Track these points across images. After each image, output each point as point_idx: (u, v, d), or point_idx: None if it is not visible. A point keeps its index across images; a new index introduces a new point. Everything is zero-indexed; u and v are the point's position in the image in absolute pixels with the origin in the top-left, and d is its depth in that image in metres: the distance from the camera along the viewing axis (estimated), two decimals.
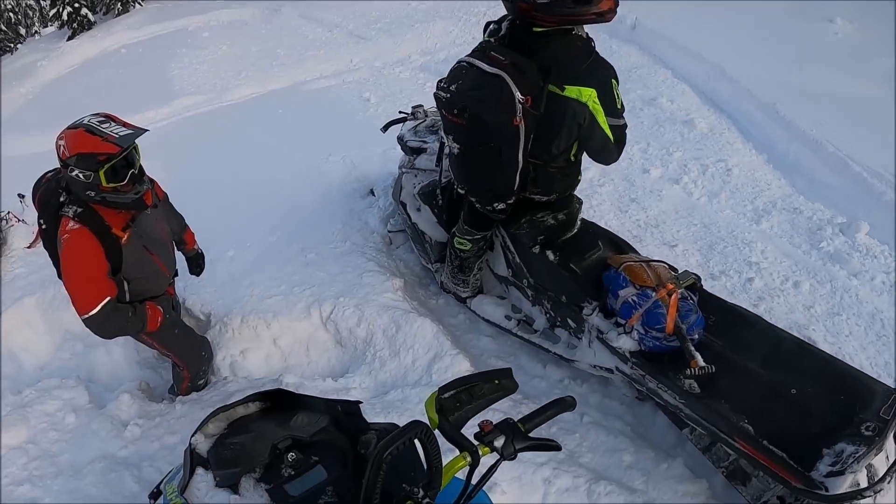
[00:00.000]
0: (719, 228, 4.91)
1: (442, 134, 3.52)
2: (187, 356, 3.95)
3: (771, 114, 6.56)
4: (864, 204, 5.29)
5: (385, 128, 4.64)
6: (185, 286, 4.68)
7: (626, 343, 3.22)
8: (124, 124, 3.02)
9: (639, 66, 7.84)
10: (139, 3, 18.94)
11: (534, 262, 3.75)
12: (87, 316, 3.13)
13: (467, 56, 3.24)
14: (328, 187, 5.97)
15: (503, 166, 3.38)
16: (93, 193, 3.01)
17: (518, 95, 3.09)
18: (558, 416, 3.43)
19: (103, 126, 2.94)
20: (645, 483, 3.17)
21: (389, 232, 5.07)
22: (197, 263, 4.15)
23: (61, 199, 3.13)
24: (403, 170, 4.66)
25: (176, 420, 3.85)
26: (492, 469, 1.72)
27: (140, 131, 3.01)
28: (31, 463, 3.62)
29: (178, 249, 3.98)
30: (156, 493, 2.37)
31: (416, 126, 4.65)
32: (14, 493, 3.45)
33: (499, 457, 1.71)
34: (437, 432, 1.68)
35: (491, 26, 3.37)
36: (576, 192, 3.86)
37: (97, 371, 4.48)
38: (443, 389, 1.76)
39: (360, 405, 2.19)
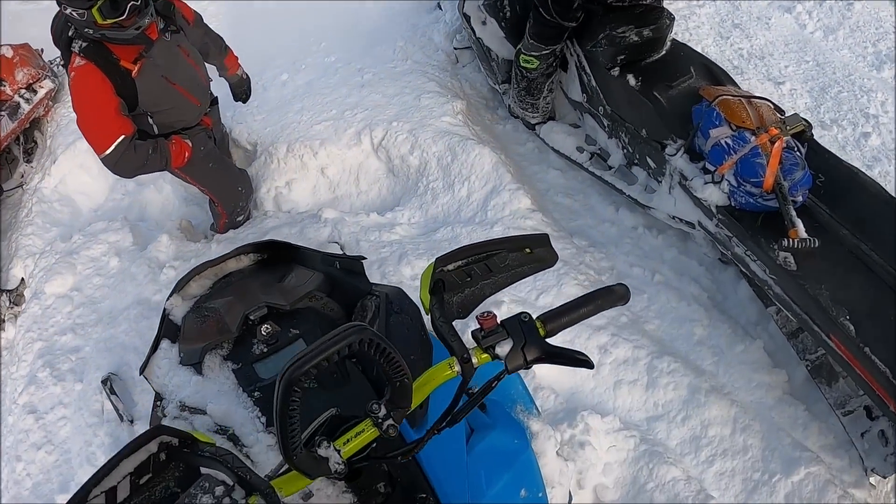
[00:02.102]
0: (834, 70, 4.25)
1: None
2: (222, 192, 3.67)
3: None
4: None
5: None
6: (234, 114, 4.35)
7: (713, 195, 2.74)
8: None
9: None
10: None
11: (612, 86, 3.23)
12: (102, 156, 2.92)
13: None
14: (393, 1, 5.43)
15: None
16: (91, 31, 2.74)
17: None
18: (626, 270, 3.03)
19: None
20: (715, 364, 2.80)
21: (455, 49, 4.55)
22: (242, 90, 3.76)
23: (70, 33, 2.83)
24: None
25: None
26: (489, 384, 1.27)
27: None
28: (75, 311, 3.54)
29: (220, 75, 3.65)
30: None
31: None
32: (59, 342, 3.41)
33: (504, 369, 1.23)
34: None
35: None
36: (673, 11, 3.26)
37: (149, 209, 4.29)
38: (442, 259, 1.27)
39: (364, 261, 1.77)
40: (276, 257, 1.90)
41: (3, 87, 4.37)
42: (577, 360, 1.23)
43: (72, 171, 4.44)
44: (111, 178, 4.40)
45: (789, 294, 2.48)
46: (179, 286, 1.81)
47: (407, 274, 3.15)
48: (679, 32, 4.45)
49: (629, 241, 3.38)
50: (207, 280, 1.84)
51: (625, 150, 3.35)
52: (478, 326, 1.23)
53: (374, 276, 3.15)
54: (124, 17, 2.67)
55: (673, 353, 2.78)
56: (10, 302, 3.76)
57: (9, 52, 4.44)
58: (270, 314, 1.68)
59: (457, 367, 1.20)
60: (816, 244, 2.39)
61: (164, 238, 3.75)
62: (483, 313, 1.24)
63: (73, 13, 2.63)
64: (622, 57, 3.20)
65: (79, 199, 4.40)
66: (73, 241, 3.86)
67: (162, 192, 4.25)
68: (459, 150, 3.70)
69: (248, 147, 4.35)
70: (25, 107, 4.46)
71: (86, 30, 2.73)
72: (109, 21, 2.65)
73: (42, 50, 4.75)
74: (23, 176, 4.59)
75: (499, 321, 1.23)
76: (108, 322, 3.40)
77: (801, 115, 3.55)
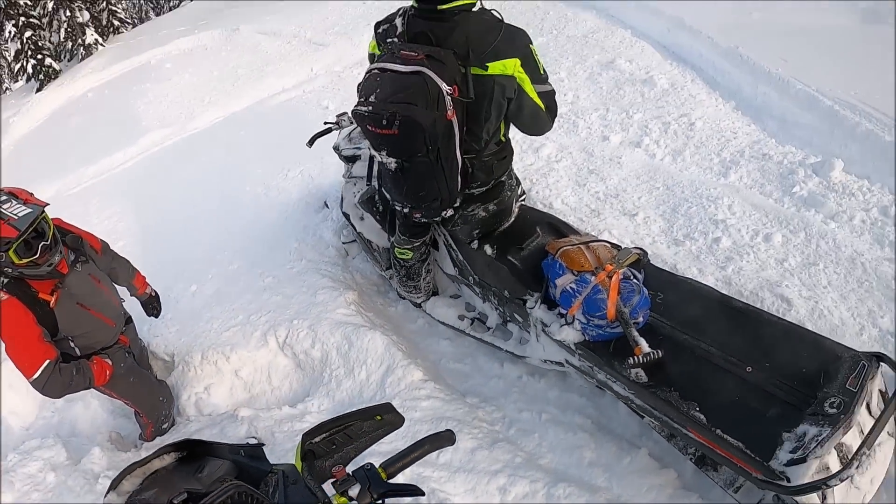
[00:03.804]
0: (683, 188, 4.66)
1: (372, 152, 3.22)
2: (145, 403, 3.97)
3: (734, 58, 6.34)
4: (838, 139, 5.05)
5: (311, 142, 4.37)
6: (150, 328, 4.67)
7: (569, 335, 3.03)
8: (27, 200, 3.04)
9: (596, 30, 7.64)
10: (101, 45, 18.81)
11: (474, 257, 3.57)
12: (31, 379, 3.19)
13: (376, 63, 2.95)
14: (286, 204, 5.85)
15: (444, 170, 3.13)
16: (10, 270, 3.07)
17: (444, 87, 2.84)
18: (516, 416, 3.28)
19: (4, 206, 2.95)
20: (608, 480, 2.99)
21: (343, 243, 4.94)
22: (152, 306, 4.10)
23: None
24: (344, 179, 4.50)
25: None
26: None
27: (39, 209, 3.02)
28: None
29: (132, 295, 4.01)
30: None
31: (349, 133, 4.47)
32: None
33: None
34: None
35: (381, 28, 3.11)
36: (534, 171, 3.67)
37: (79, 424, 4.45)
38: (309, 434, 1.62)
39: (264, 447, 2.05)
40: (193, 453, 2.16)
41: None
42: (410, 490, 1.58)
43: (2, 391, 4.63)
44: (39, 396, 4.57)
45: (648, 403, 2.73)
46: (114, 485, 2.05)
47: None
48: (539, 189, 4.90)
49: (516, 391, 3.63)
50: (137, 478, 2.10)
51: (498, 311, 3.66)
52: (333, 479, 1.59)
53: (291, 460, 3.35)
54: (37, 256, 3.05)
55: (567, 480, 2.96)
56: None
57: None
58: (190, 497, 1.90)
59: None
60: (660, 355, 2.68)
61: (97, 451, 3.94)
62: (334, 468, 1.60)
63: None
64: (477, 231, 3.56)
65: (10, 419, 4.57)
66: (8, 460, 3.97)
67: (90, 407, 4.45)
68: (354, 337, 4.01)
69: (166, 358, 4.62)
70: None
71: (6, 269, 3.05)
72: (25, 260, 3.02)
73: None
74: None
75: (348, 472, 1.59)
76: None
77: (656, 237, 3.98)
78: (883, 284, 3.70)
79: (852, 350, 2.58)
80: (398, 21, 3.02)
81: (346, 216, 4.44)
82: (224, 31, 13.12)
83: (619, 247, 3.21)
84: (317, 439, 1.61)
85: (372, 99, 2.90)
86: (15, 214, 2.94)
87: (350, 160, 4.36)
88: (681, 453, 2.87)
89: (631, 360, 2.69)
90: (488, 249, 3.50)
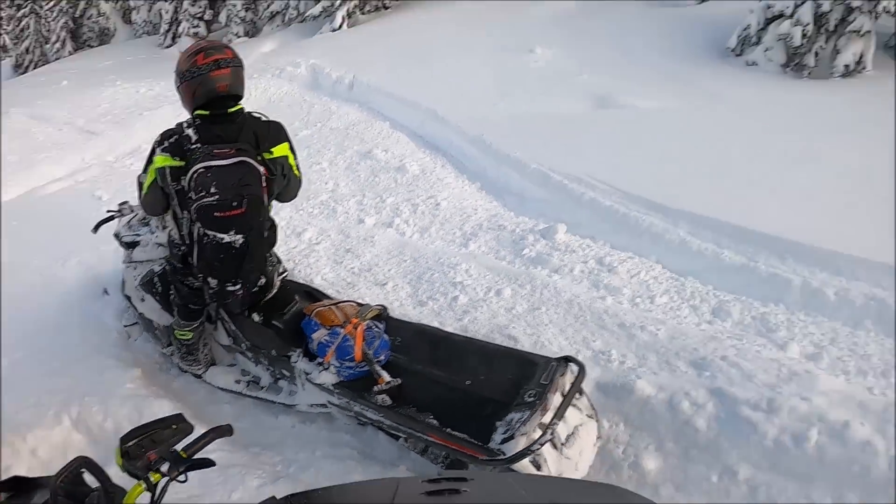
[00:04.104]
0: (427, 259, 5.38)
1: (221, 237, 3.58)
2: None
3: (480, 145, 7.29)
4: (566, 208, 6.06)
5: (95, 228, 4.79)
6: None
7: (327, 378, 3.67)
8: None
9: (357, 122, 8.41)
10: None
11: (244, 326, 4.14)
12: None
13: (200, 164, 3.40)
14: (66, 294, 5.93)
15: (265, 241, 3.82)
16: None
17: (261, 169, 3.50)
18: (294, 457, 3.80)
19: None
20: None
21: (125, 326, 5.18)
22: None
23: None
24: (125, 264, 4.82)
25: None
26: (164, 489, 2.04)
27: None
28: None
29: None
30: None
31: (129, 221, 4.83)
32: None
33: (167, 478, 2.03)
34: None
35: (169, 142, 3.53)
36: (297, 253, 4.55)
37: None
38: (124, 439, 2.07)
39: (83, 473, 2.40)
40: (19, 490, 2.38)
41: None
42: (205, 462, 2.11)
43: None
44: None
45: (395, 421, 3.41)
46: None
47: None
48: (301, 269, 5.43)
49: (292, 437, 4.11)
50: None
51: (269, 370, 4.19)
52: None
53: None
54: None
55: None
56: None
57: None
58: None
59: (143, 485, 1.99)
60: (398, 382, 3.45)
61: None
62: (148, 452, 2.05)
63: None
64: (246, 304, 4.13)
65: None
66: None
67: None
68: (144, 406, 4.26)
69: None
70: None
71: None
72: None
73: None
74: None
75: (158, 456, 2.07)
76: None
77: (404, 302, 4.67)
78: (595, 317, 4.58)
79: (545, 356, 3.44)
80: (189, 131, 3.52)
81: (128, 298, 4.74)
82: None
83: (364, 304, 3.97)
84: (131, 443, 2.05)
85: (213, 190, 3.38)
86: None
87: (130, 246, 4.69)
88: (433, 463, 3.58)
89: (376, 388, 3.44)
90: (256, 317, 4.09)
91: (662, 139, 7.37)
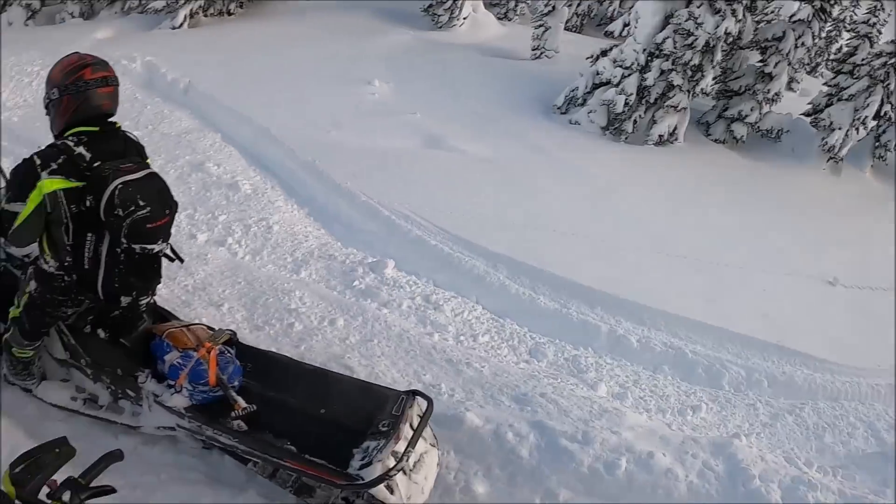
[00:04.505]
0: (261, 283, 5.40)
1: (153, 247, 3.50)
2: None
3: (311, 170, 7.37)
4: (393, 243, 6.29)
5: None
6: None
7: (178, 401, 3.61)
8: None
9: (189, 130, 8.21)
10: None
11: (87, 341, 3.93)
12: None
13: (118, 181, 3.23)
14: None
15: None
16: None
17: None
18: (139, 480, 3.73)
19: None
20: None
21: None
22: None
23: None
24: None
25: None
26: None
27: None
28: None
29: None
30: None
31: None
32: None
33: None
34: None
35: (57, 163, 3.27)
36: None
37: None
38: (13, 465, 2.00)
39: None
40: None
41: None
42: (105, 491, 2.12)
43: None
44: None
45: (250, 447, 3.44)
46: None
47: None
48: None
49: (134, 458, 3.82)
50: None
51: (109, 389, 3.98)
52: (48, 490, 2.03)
53: None
54: None
55: None
56: None
57: None
58: None
59: None
60: (254, 408, 3.47)
61: None
62: (50, 480, 2.03)
63: None
64: (91, 317, 3.94)
65: None
66: None
67: None
68: None
69: None
70: None
71: None
72: None
73: None
74: None
75: (58, 483, 2.05)
76: None
77: (239, 324, 4.68)
78: (425, 352, 4.84)
79: (395, 390, 3.65)
80: (80, 150, 3.29)
81: None
82: None
83: (214, 329, 3.92)
84: (17, 469, 1.98)
85: (142, 203, 3.25)
86: None
87: None
88: (281, 488, 3.60)
89: (233, 414, 3.44)
90: (101, 333, 3.91)
91: (486, 185, 7.83)
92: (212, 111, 8.82)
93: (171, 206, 3.48)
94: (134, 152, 3.56)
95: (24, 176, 3.31)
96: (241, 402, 3.48)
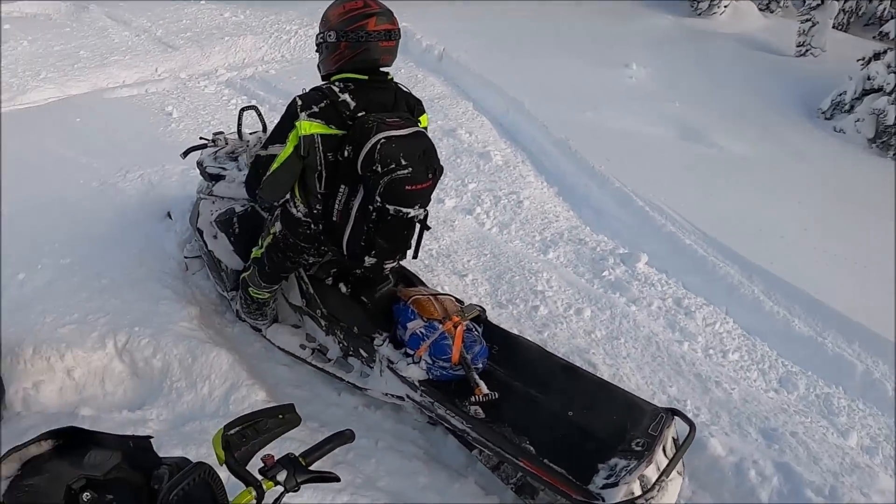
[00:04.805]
0: (508, 259, 5.18)
1: (409, 212, 3.23)
2: None
3: (564, 149, 7.02)
4: (645, 235, 5.82)
5: (185, 154, 4.55)
6: None
7: (414, 372, 3.40)
8: None
9: (442, 96, 8.17)
10: None
11: (327, 293, 3.85)
12: None
13: (381, 135, 3.03)
14: (124, 207, 5.74)
15: None
16: None
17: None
18: (355, 442, 3.58)
19: None
20: (441, 502, 3.34)
21: (186, 258, 4.93)
22: None
23: None
24: (201, 195, 4.61)
25: None
26: (276, 501, 1.81)
27: None
28: None
29: None
30: None
31: (216, 152, 4.61)
32: None
33: (283, 490, 1.80)
34: (223, 468, 1.75)
35: (319, 107, 3.14)
36: None
37: None
38: (228, 426, 1.82)
39: (151, 440, 2.20)
40: (73, 442, 2.19)
41: None
42: (328, 477, 1.87)
43: None
44: None
45: (483, 436, 3.16)
46: None
47: None
48: None
49: (354, 419, 3.87)
50: (14, 463, 2.12)
51: (341, 345, 3.92)
52: (262, 465, 1.79)
53: None
54: None
55: (405, 500, 3.31)
56: None
57: None
58: (88, 484, 2.02)
59: (254, 493, 1.73)
60: (496, 396, 3.17)
61: None
62: (264, 455, 1.82)
63: None
64: (334, 269, 3.85)
65: None
66: None
67: None
68: (199, 352, 4.04)
69: None
70: None
71: None
72: None
73: None
74: None
75: (276, 459, 1.81)
76: None
77: (481, 299, 4.44)
78: (672, 361, 4.42)
79: (653, 405, 3.20)
80: (345, 97, 3.14)
81: (200, 232, 4.52)
82: (73, 5, 12.35)
83: (462, 302, 3.65)
84: (232, 431, 1.80)
85: (404, 162, 3.03)
86: None
87: (213, 178, 4.49)
88: (503, 483, 3.33)
89: (473, 398, 3.16)
90: (343, 288, 3.80)
91: (744, 186, 7.12)
92: (465, 80, 8.75)
93: (434, 170, 3.21)
94: (403, 107, 3.32)
95: (285, 117, 3.21)
96: (483, 388, 3.18)
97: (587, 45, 10.55)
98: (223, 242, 4.34)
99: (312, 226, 3.49)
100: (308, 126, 3.12)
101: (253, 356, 4.36)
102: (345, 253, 3.42)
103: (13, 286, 4.71)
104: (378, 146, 3.01)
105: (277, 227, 3.66)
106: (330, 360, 4.00)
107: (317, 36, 3.30)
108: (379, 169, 3.02)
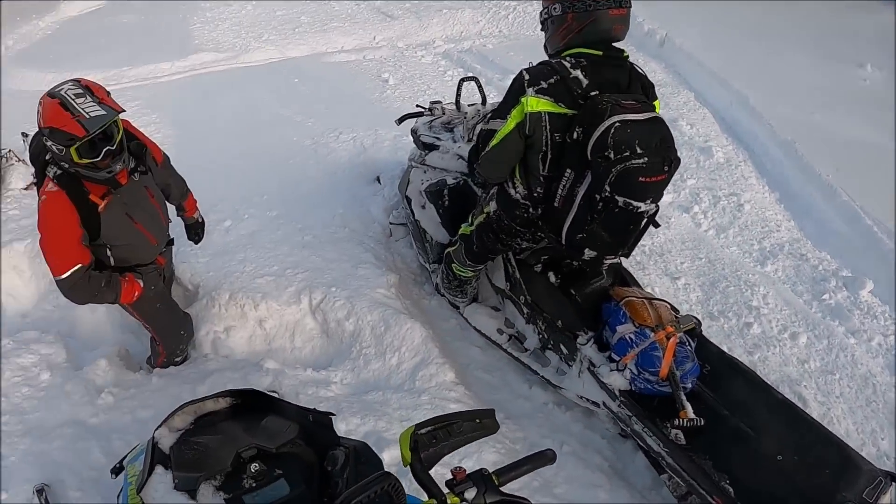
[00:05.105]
0: (724, 266, 4.82)
1: (635, 206, 2.90)
2: (165, 333, 3.84)
3: (790, 152, 6.45)
4: (870, 259, 5.20)
5: (401, 120, 4.54)
6: (177, 252, 4.47)
7: (617, 380, 3.15)
8: (102, 100, 2.82)
9: (663, 83, 7.74)
10: None
11: (534, 280, 3.67)
12: (58, 279, 3.05)
13: (616, 118, 2.76)
14: (334, 167, 5.87)
15: None
16: (67, 165, 2.91)
17: None
18: (538, 441, 3.36)
19: (78, 101, 2.75)
20: None
21: (391, 223, 4.96)
22: (196, 232, 4.00)
23: (47, 156, 3.00)
24: (413, 164, 4.58)
25: (151, 393, 3.72)
26: None
27: (113, 113, 2.80)
28: None
29: (178, 215, 3.88)
30: (118, 469, 2.30)
31: (431, 121, 4.55)
32: None
33: None
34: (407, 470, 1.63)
35: (548, 83, 2.92)
36: None
37: (79, 327, 4.36)
38: (420, 426, 1.68)
39: (333, 417, 2.11)
40: (250, 403, 2.18)
41: None
42: (521, 501, 1.65)
43: (4, 270, 4.53)
44: (43, 285, 4.53)
45: (680, 464, 2.87)
46: (168, 418, 2.09)
47: (342, 429, 3.30)
48: None
49: (541, 416, 3.71)
50: (189, 416, 2.14)
51: (540, 336, 3.74)
52: (451, 476, 1.63)
53: None
54: (99, 158, 2.85)
55: None
56: None
57: None
58: (258, 454, 1.96)
59: None
60: (702, 423, 2.85)
61: (103, 362, 3.84)
62: (456, 467, 1.64)
63: (53, 147, 2.82)
64: (545, 257, 3.66)
65: (6, 301, 4.46)
66: (3, 345, 3.87)
67: (96, 312, 4.36)
68: (392, 321, 4.02)
69: (189, 287, 4.56)
70: None
71: (62, 163, 2.90)
72: (85, 161, 2.83)
73: None
74: None
75: (466, 473, 1.64)
76: (38, 435, 3.34)
77: (693, 306, 4.09)
78: (889, 409, 3.88)
79: (871, 464, 2.75)
80: (577, 73, 2.91)
81: (408, 200, 4.51)
82: None
83: (678, 311, 3.34)
84: (423, 431, 1.67)
85: (639, 151, 2.76)
86: (87, 112, 2.73)
87: (427, 147, 4.43)
88: None
89: (677, 422, 2.87)
90: (552, 277, 3.61)
91: None
92: (687, 68, 8.24)
93: (671, 162, 2.87)
94: (638, 89, 3.02)
95: (510, 92, 3.00)
96: (690, 412, 2.88)
97: (818, 39, 9.66)
98: (431, 213, 4.27)
99: (531, 209, 3.28)
100: (535, 103, 2.92)
101: (447, 333, 4.29)
102: (563, 242, 3.19)
103: (218, 232, 4.90)
104: (612, 130, 2.74)
105: (492, 206, 3.50)
106: (526, 351, 3.84)
107: (541, 13, 3.08)
108: (611, 155, 2.75)
